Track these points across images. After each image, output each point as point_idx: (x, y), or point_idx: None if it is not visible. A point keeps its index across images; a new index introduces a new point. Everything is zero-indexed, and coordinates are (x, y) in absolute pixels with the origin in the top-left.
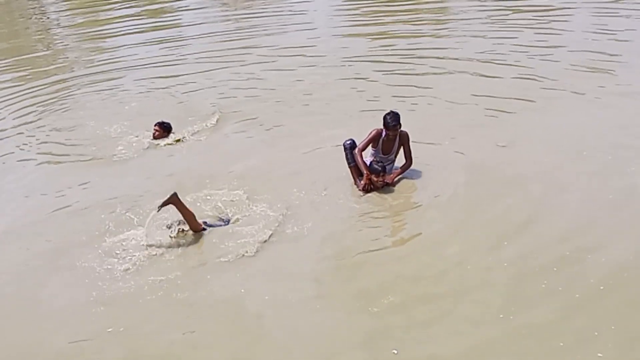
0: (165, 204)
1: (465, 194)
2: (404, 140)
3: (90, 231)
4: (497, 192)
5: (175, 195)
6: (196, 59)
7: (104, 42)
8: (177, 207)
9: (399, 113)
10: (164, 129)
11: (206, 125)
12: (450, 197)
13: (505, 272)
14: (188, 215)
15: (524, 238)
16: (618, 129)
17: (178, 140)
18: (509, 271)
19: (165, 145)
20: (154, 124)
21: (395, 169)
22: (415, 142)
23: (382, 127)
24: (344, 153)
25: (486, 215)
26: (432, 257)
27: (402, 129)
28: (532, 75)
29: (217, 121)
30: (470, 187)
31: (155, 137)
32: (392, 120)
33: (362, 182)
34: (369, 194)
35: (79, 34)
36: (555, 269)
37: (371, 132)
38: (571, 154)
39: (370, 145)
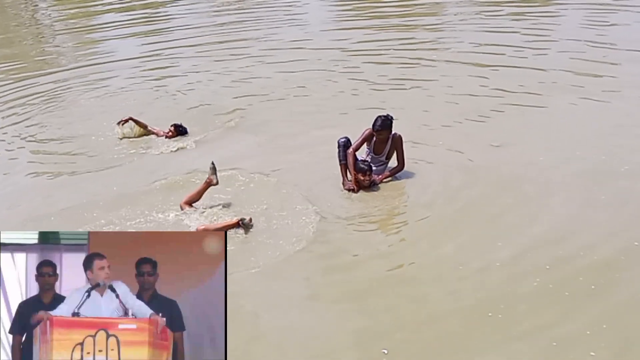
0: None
1: (458, 195)
2: (397, 144)
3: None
4: (492, 194)
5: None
6: (189, 54)
7: (96, 37)
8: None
9: (391, 118)
10: (178, 132)
11: (201, 124)
12: (442, 198)
13: (499, 274)
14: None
15: (517, 239)
16: (612, 128)
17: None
18: (503, 272)
19: (170, 147)
20: (171, 124)
21: (389, 169)
22: (407, 140)
23: None
24: (337, 150)
25: (480, 217)
26: (424, 258)
27: (396, 132)
28: (526, 72)
29: (211, 119)
30: (463, 188)
31: (167, 137)
32: (380, 125)
33: (350, 183)
34: (358, 194)
35: (70, 29)
36: (548, 267)
37: (364, 132)
38: (565, 154)
39: (366, 143)
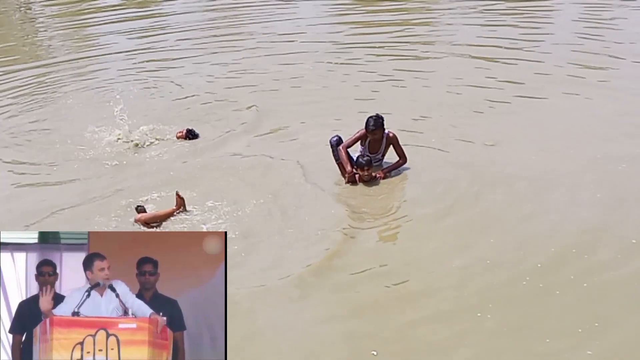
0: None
1: (450, 194)
2: (392, 141)
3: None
4: (485, 192)
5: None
6: (183, 48)
7: (88, 28)
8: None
9: (382, 117)
10: (187, 138)
11: (199, 120)
12: (434, 197)
13: (490, 272)
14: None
15: (509, 238)
16: (608, 125)
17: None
18: (493, 270)
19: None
20: (185, 128)
21: (386, 164)
22: (402, 135)
23: None
24: (331, 150)
25: (472, 215)
26: (415, 257)
27: (389, 131)
28: (521, 66)
29: (209, 114)
30: (457, 186)
31: (177, 137)
32: (373, 125)
33: (347, 177)
34: (355, 192)
35: (63, 22)
36: (539, 266)
37: (359, 131)
38: (559, 152)
39: (360, 142)
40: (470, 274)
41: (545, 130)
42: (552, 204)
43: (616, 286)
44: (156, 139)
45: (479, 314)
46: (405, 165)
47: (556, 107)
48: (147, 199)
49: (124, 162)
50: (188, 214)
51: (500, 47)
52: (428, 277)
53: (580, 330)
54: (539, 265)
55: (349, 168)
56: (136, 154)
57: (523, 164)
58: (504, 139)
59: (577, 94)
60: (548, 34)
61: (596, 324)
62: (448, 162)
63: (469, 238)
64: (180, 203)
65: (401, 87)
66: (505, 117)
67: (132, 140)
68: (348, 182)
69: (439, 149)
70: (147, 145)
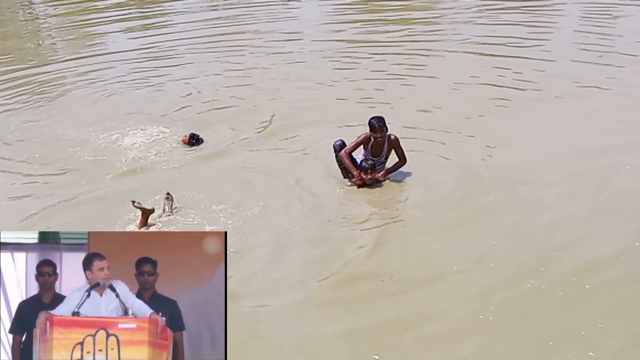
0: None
1: (453, 196)
2: (394, 144)
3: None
4: (487, 194)
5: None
6: (187, 48)
7: (91, 29)
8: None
9: (383, 116)
10: (190, 143)
11: (200, 121)
12: (438, 199)
13: (492, 275)
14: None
15: (512, 241)
16: (612, 126)
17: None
18: (496, 273)
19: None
20: (189, 133)
21: (387, 168)
22: (405, 139)
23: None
24: (334, 154)
25: (475, 217)
26: (418, 260)
27: (391, 133)
28: (524, 66)
29: (209, 115)
30: (459, 189)
31: (184, 142)
32: (378, 122)
33: (355, 180)
34: (358, 194)
35: (66, 22)
36: (542, 269)
37: (360, 136)
38: (562, 154)
39: (362, 146)
40: (473, 276)
41: (549, 132)
42: (554, 207)
43: (618, 288)
44: (160, 141)
45: (481, 316)
46: (410, 167)
47: (562, 106)
48: (149, 201)
49: (125, 164)
50: (192, 216)
51: (507, 45)
52: (431, 280)
53: (583, 333)
54: (542, 268)
55: (356, 172)
56: (139, 156)
57: (527, 165)
58: (509, 140)
59: (583, 94)
60: (555, 32)
61: (600, 326)
62: (453, 163)
63: (472, 241)
64: (145, 213)
65: (406, 85)
66: (511, 116)
67: (134, 142)
68: (357, 185)
69: (443, 150)
70: (150, 147)
